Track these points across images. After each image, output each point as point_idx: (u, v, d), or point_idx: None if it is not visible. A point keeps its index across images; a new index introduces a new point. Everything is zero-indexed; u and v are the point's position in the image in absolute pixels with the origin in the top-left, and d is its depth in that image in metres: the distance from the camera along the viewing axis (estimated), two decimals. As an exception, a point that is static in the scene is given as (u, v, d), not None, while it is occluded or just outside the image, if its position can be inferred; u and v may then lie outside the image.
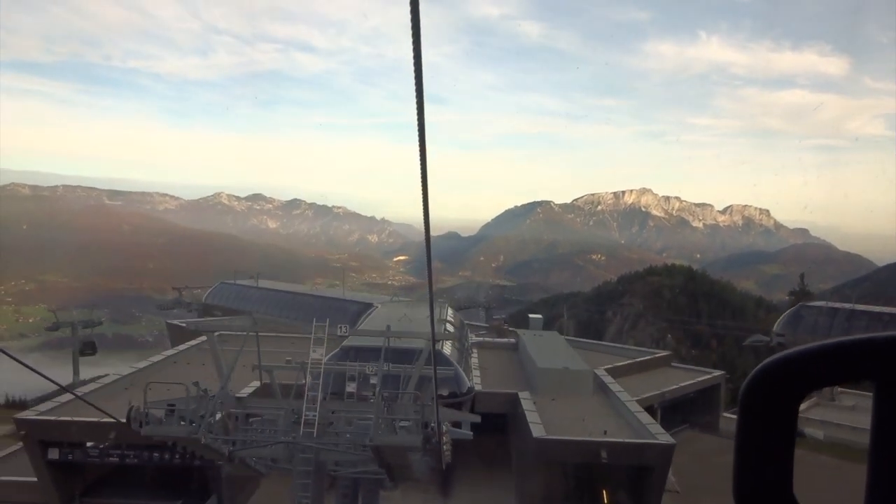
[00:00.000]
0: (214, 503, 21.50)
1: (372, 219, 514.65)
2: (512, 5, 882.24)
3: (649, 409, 28.44)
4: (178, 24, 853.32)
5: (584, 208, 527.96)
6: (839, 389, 33.43)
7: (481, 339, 35.38)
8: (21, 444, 24.08)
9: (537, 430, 20.51)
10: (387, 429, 12.36)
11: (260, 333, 34.69)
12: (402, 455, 13.06)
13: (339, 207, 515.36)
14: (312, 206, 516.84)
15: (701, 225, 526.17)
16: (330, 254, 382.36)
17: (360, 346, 22.30)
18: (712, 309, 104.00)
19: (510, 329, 38.84)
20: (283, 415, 12.79)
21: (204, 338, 32.52)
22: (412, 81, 2.76)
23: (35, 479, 20.70)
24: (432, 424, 11.91)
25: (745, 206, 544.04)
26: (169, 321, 40.21)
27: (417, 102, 2.82)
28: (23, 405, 48.62)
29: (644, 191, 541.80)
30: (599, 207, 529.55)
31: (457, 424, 15.80)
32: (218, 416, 12.74)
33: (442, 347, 24.98)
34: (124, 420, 16.23)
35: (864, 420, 0.97)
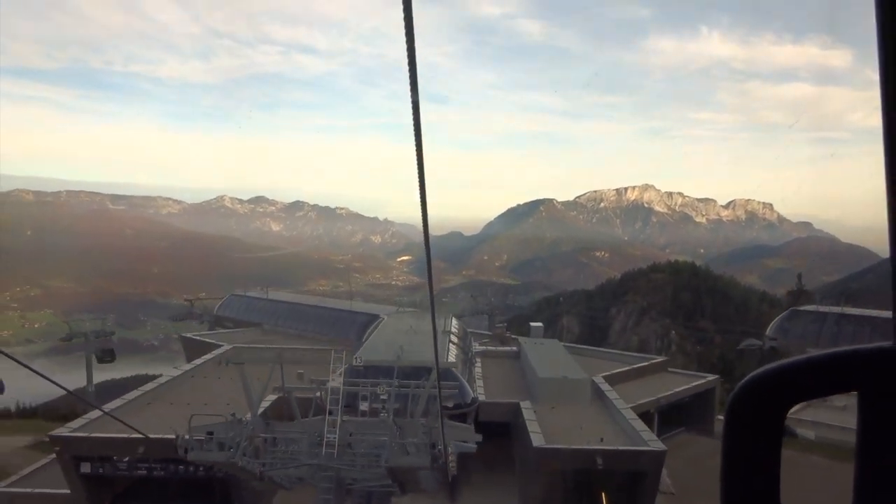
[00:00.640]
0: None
1: (375, 219, 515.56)
2: (513, 4, 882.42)
3: (646, 415, 29.77)
4: (179, 28, 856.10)
5: (587, 205, 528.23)
6: None
7: (484, 347, 36.65)
8: (48, 456, 25.67)
9: (537, 440, 21.83)
10: (399, 450, 13.78)
11: (271, 346, 36.13)
12: (412, 472, 14.50)
13: (342, 209, 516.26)
14: (315, 207, 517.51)
15: (704, 220, 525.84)
16: (334, 255, 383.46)
17: (370, 360, 23.60)
18: (716, 305, 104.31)
19: (512, 337, 40.11)
20: (306, 437, 14.18)
21: (219, 350, 34.09)
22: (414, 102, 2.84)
23: (68, 490, 22.08)
24: (439, 447, 13.36)
25: (748, 200, 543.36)
26: (183, 335, 41.52)
27: (413, 101, 2.85)
28: (33, 412, 49.78)
29: (647, 187, 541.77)
30: (602, 204, 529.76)
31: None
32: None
33: (447, 360, 26.27)
34: (152, 436, 17.77)
35: (855, 421, 1.18)
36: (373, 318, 37.34)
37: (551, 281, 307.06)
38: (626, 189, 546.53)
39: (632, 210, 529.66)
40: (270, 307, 44.97)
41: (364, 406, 16.37)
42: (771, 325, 41.03)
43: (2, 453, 33.75)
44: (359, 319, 38.69)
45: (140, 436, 16.11)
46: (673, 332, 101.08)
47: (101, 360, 38.41)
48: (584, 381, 28.44)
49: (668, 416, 33.22)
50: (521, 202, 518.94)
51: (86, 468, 21.56)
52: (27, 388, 37.69)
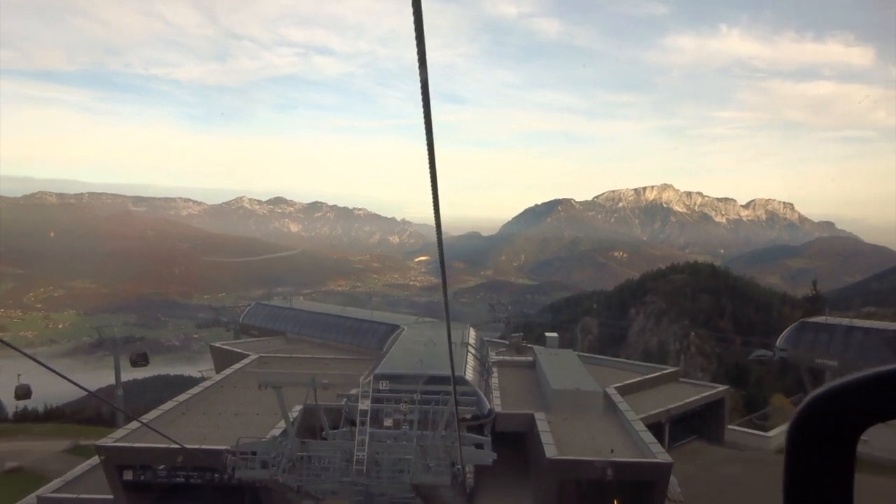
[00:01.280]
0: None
1: (393, 220, 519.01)
2: (530, 3, 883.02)
3: (657, 424, 30.84)
4: (198, 31, 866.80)
5: (605, 205, 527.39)
6: None
7: (501, 357, 37.86)
8: (87, 461, 27.42)
9: (550, 451, 23.01)
10: (422, 468, 15.20)
11: (294, 356, 37.65)
12: (433, 487, 15.92)
13: (360, 209, 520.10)
14: (334, 208, 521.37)
15: (724, 220, 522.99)
16: (352, 255, 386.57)
17: (392, 373, 24.93)
18: (736, 306, 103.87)
19: (528, 346, 41.27)
20: (338, 455, 15.65)
21: (246, 360, 35.69)
22: (423, 81, 2.81)
23: (111, 496, 23.64)
24: (458, 466, 14.75)
25: (769, 200, 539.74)
26: (212, 344, 43.25)
27: (424, 103, 2.85)
28: (59, 414, 51.68)
29: (665, 186, 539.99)
30: (620, 204, 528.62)
31: (479, 445, 18.40)
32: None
33: (465, 373, 27.55)
34: (188, 446, 19.35)
35: None
36: (393, 329, 38.74)
37: (570, 281, 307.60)
38: (644, 189, 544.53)
39: (650, 210, 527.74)
40: (294, 316, 46.59)
41: (388, 422, 17.77)
42: (781, 335, 41.83)
43: (43, 458, 35.64)
44: (379, 329, 40.23)
45: (177, 446, 17.65)
46: (692, 333, 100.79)
47: (134, 364, 39.60)
48: (596, 394, 29.46)
49: (680, 425, 34.32)
50: (539, 202, 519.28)
51: (128, 476, 23.06)
52: (53, 389, 39.41)
